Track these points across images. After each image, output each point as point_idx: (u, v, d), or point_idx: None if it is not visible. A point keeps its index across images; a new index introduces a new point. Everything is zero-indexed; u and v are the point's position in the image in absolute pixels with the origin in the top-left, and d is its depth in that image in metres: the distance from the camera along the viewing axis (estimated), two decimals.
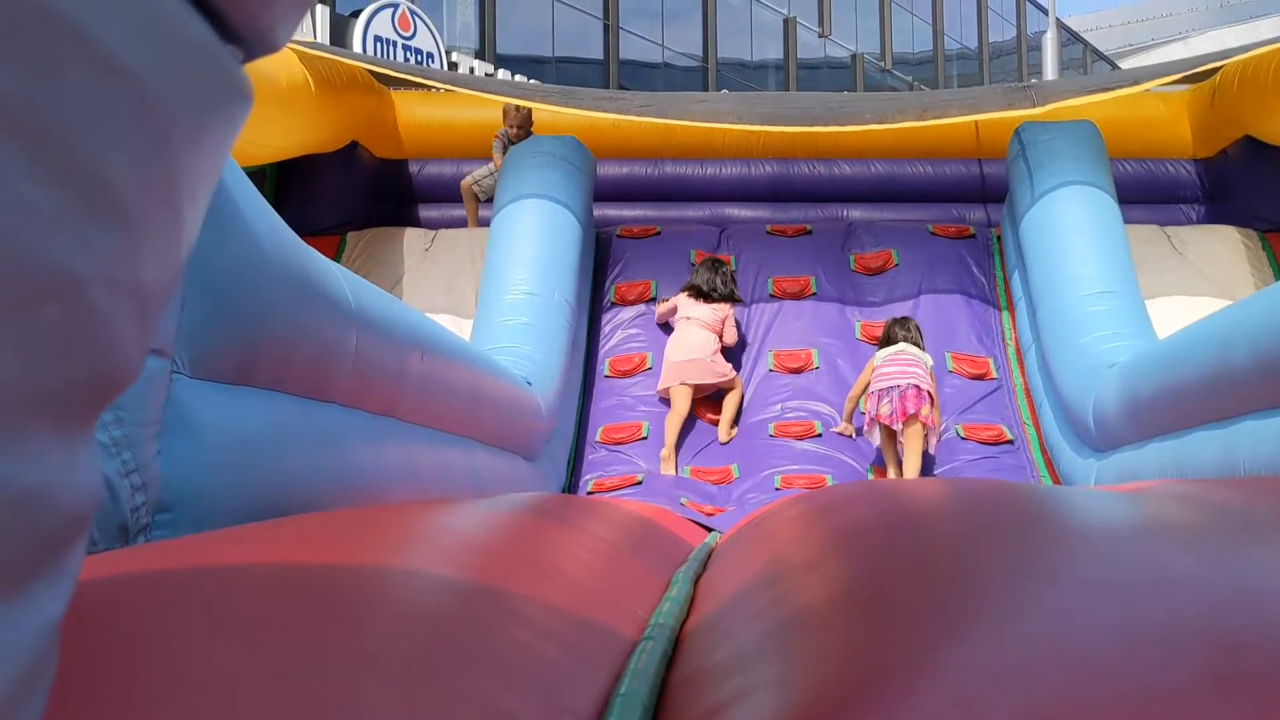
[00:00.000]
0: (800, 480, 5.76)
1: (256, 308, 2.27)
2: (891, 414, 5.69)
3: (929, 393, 5.75)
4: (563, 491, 5.68)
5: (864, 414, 5.96)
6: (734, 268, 6.89)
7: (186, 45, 0.48)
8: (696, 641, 1.24)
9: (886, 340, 6.07)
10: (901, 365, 5.81)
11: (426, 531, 1.84)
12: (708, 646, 1.17)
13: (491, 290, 5.85)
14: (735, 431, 6.34)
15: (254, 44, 0.57)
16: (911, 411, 5.65)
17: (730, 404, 6.35)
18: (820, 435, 6.21)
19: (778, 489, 5.67)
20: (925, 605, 0.99)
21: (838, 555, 1.49)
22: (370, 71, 7.28)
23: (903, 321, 6.15)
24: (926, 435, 5.73)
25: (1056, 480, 5.77)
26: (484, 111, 7.53)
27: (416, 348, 3.26)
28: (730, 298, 6.50)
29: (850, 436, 6.18)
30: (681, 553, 2.54)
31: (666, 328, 6.56)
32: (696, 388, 6.22)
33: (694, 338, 6.28)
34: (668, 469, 6.01)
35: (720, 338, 6.39)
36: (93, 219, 0.43)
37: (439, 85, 7.69)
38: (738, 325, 6.61)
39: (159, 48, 0.46)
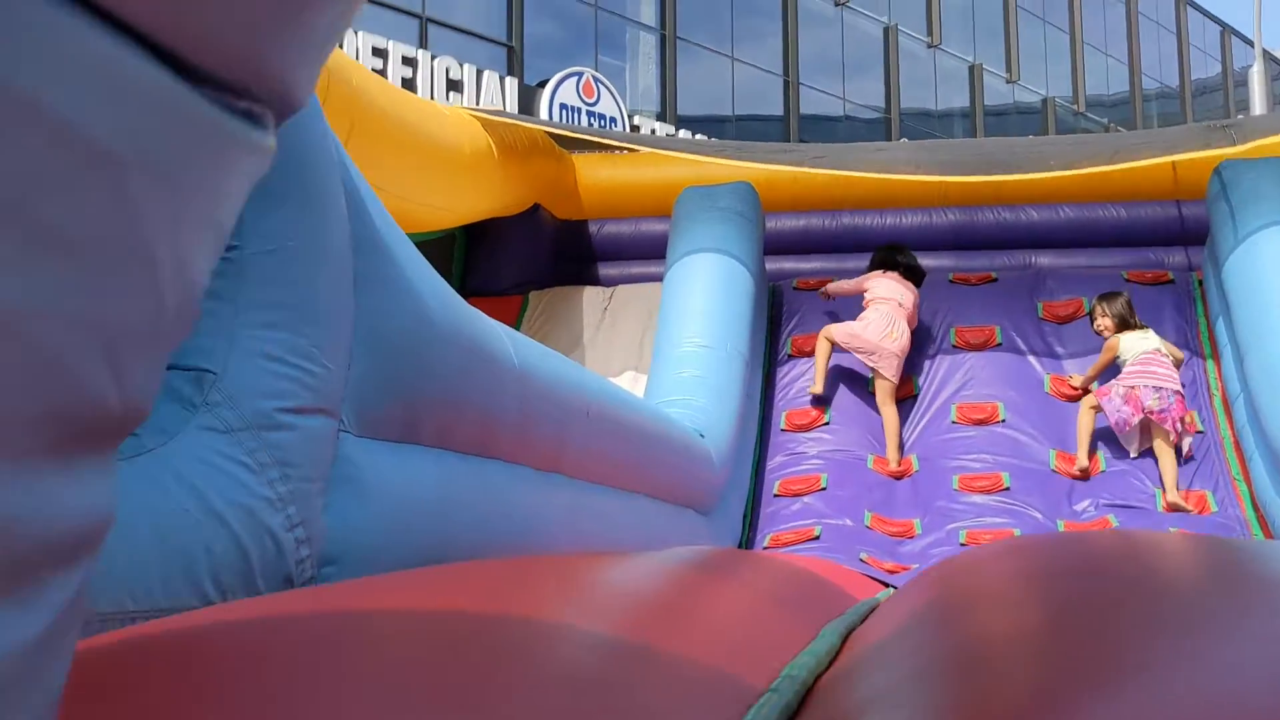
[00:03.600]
0: (986, 535, 5.54)
1: (422, 368, 2.36)
2: (1163, 412, 5.86)
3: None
4: (739, 546, 5.63)
5: (1113, 400, 5.97)
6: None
7: (145, 99, 0.50)
8: (828, 692, 1.20)
9: (1122, 323, 6.17)
10: (1163, 368, 5.98)
11: (579, 583, 1.85)
12: (838, 695, 1.13)
13: (665, 344, 5.90)
14: (906, 460, 6.26)
15: (270, 101, 0.59)
16: (1178, 417, 5.87)
17: (892, 421, 6.29)
18: (1008, 489, 5.98)
19: (963, 544, 5.47)
20: (1089, 650, 0.93)
21: (999, 600, 1.42)
22: (551, 135, 7.51)
23: (1119, 301, 6.22)
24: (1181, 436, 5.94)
25: (1269, 535, 5.37)
26: (661, 171, 7.65)
27: (581, 404, 3.30)
28: (921, 278, 6.69)
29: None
30: (841, 607, 2.47)
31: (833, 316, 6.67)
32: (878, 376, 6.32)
33: (901, 330, 6.36)
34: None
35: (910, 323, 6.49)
36: (30, 255, 0.45)
37: (617, 145, 7.86)
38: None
39: (107, 102, 0.48)
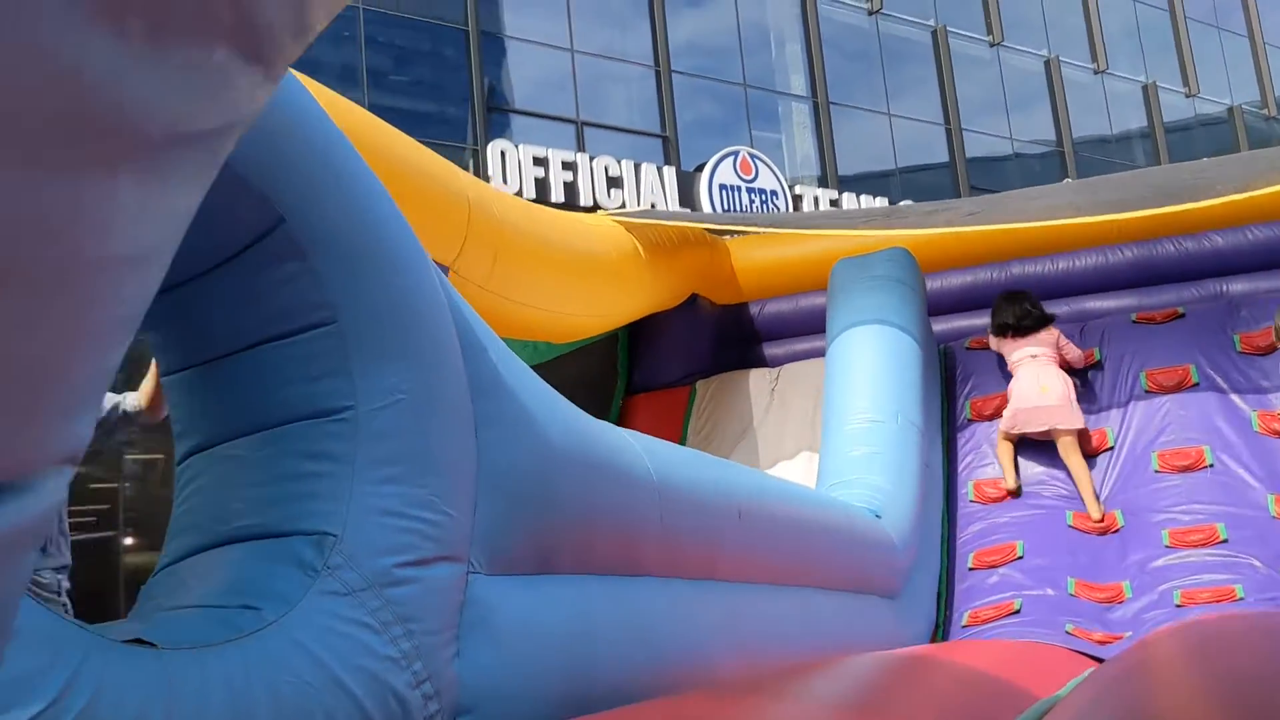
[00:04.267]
0: (1204, 594, 5.13)
1: (552, 497, 2.35)
2: None
3: None
4: (935, 627, 5.38)
5: None
6: (1099, 359, 6.43)
7: None
8: None
9: None
10: None
11: None
12: None
13: (832, 422, 5.76)
14: (1109, 515, 5.87)
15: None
16: None
17: (1080, 470, 5.92)
18: (1225, 540, 5.52)
19: (1178, 605, 5.08)
20: None
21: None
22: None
23: None
24: None
25: None
26: (816, 244, 7.56)
27: (733, 505, 3.24)
28: (1046, 318, 6.31)
29: None
30: (1014, 709, 2.30)
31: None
32: (1054, 431, 6.01)
33: (1051, 379, 6.08)
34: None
35: (1066, 364, 6.18)
36: None
37: (760, 229, 7.83)
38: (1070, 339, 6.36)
39: None
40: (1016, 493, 6.09)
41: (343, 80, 15.26)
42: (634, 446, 2.79)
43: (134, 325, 0.65)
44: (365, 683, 1.77)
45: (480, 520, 2.14)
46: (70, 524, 7.04)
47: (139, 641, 1.49)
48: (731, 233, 7.88)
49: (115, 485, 9.93)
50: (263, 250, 1.93)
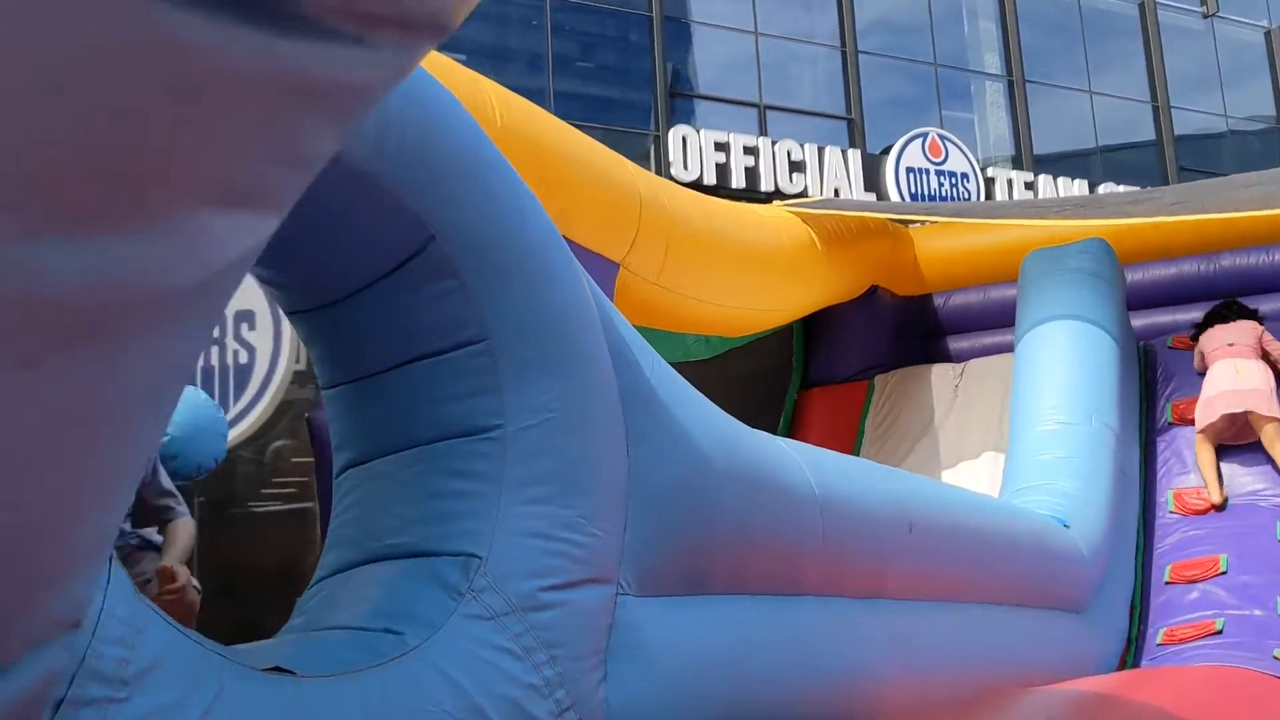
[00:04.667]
0: None
1: (706, 515, 2.29)
2: None
3: None
4: (1127, 643, 5.06)
5: None
6: None
7: None
8: None
9: None
10: None
11: None
12: None
13: (1021, 423, 5.48)
14: None
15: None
16: None
17: None
18: None
19: None
20: None
21: None
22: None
23: None
24: None
25: None
26: (1008, 233, 7.22)
27: (904, 517, 3.10)
28: (1249, 312, 5.95)
29: None
30: None
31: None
32: (1254, 418, 5.53)
33: (1248, 366, 5.65)
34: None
35: (1270, 359, 5.72)
36: None
37: (944, 218, 7.52)
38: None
39: None
40: (1222, 506, 5.65)
41: (530, 68, 15.51)
42: (794, 458, 2.69)
43: (138, 471, 0.61)
44: (506, 711, 1.74)
45: (631, 540, 2.08)
46: (272, 493, 7.39)
47: (277, 669, 1.49)
48: (914, 222, 7.61)
49: (312, 459, 10.42)
50: (414, 269, 1.92)
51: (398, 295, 1.91)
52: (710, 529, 2.30)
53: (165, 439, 2.97)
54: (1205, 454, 5.71)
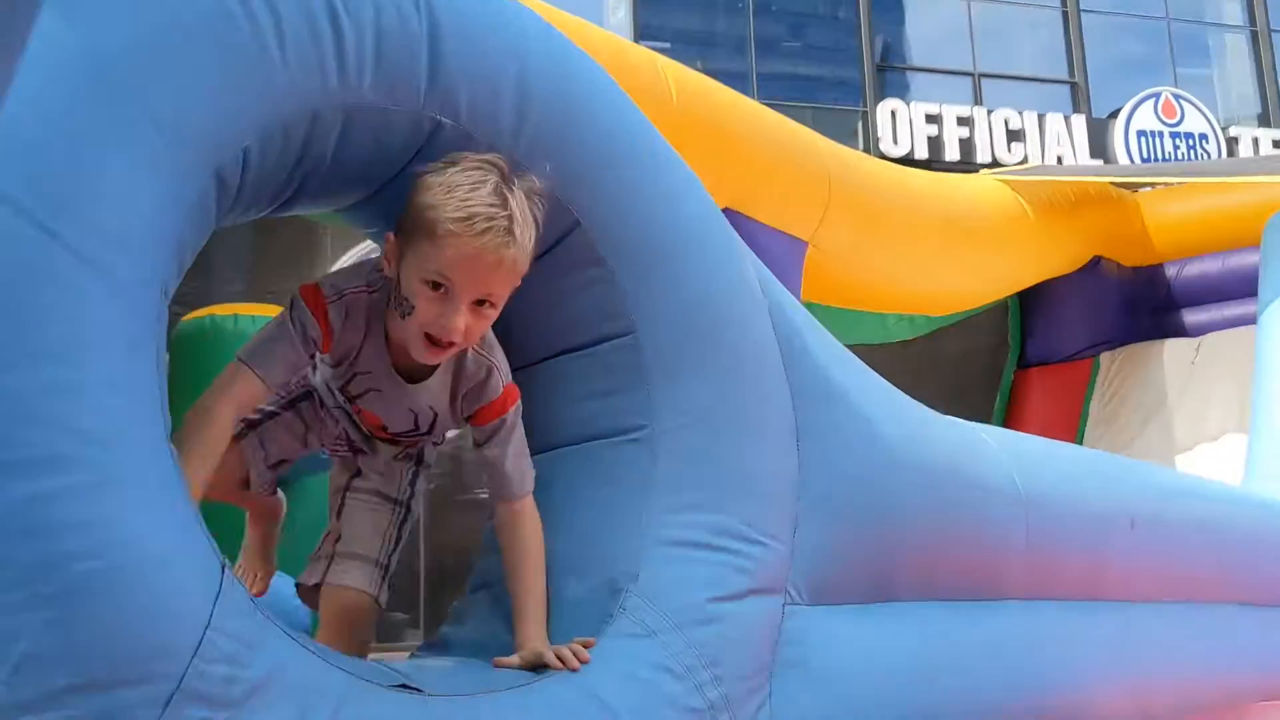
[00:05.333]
0: None
1: (889, 513, 2.11)
2: None
3: None
4: None
5: None
6: None
7: None
8: None
9: None
10: None
11: None
12: None
13: (1267, 402, 4.98)
14: None
15: None
16: None
17: None
18: None
19: None
20: None
21: None
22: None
23: None
24: None
25: None
26: (1250, 196, 6.59)
27: (1124, 512, 2.80)
28: None
29: None
30: None
31: None
32: None
33: None
34: None
35: None
36: None
37: (1176, 180, 6.93)
38: None
39: None
40: None
41: (735, 51, 15.36)
42: (993, 449, 2.46)
43: None
44: None
45: (801, 544, 1.91)
46: None
47: (405, 687, 1.40)
48: (1141, 185, 7.05)
49: None
50: (558, 256, 1.82)
51: (541, 284, 1.80)
52: (895, 530, 2.11)
53: None
54: None
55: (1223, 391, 6.19)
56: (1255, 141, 16.03)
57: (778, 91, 14.17)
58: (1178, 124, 15.73)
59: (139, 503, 1.18)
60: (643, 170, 1.87)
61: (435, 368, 1.70)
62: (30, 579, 1.10)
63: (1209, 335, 6.57)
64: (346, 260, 8.69)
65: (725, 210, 2.31)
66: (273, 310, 4.71)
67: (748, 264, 2.00)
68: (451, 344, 1.58)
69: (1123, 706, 2.55)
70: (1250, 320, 6.20)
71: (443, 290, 1.54)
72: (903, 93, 15.47)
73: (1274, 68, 17.28)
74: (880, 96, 14.97)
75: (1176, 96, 15.98)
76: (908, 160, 12.21)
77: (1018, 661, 2.31)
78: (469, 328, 1.56)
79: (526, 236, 1.55)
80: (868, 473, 2.06)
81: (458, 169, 1.54)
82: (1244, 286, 6.50)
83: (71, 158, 1.20)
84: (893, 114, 14.62)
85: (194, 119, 1.33)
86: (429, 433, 1.80)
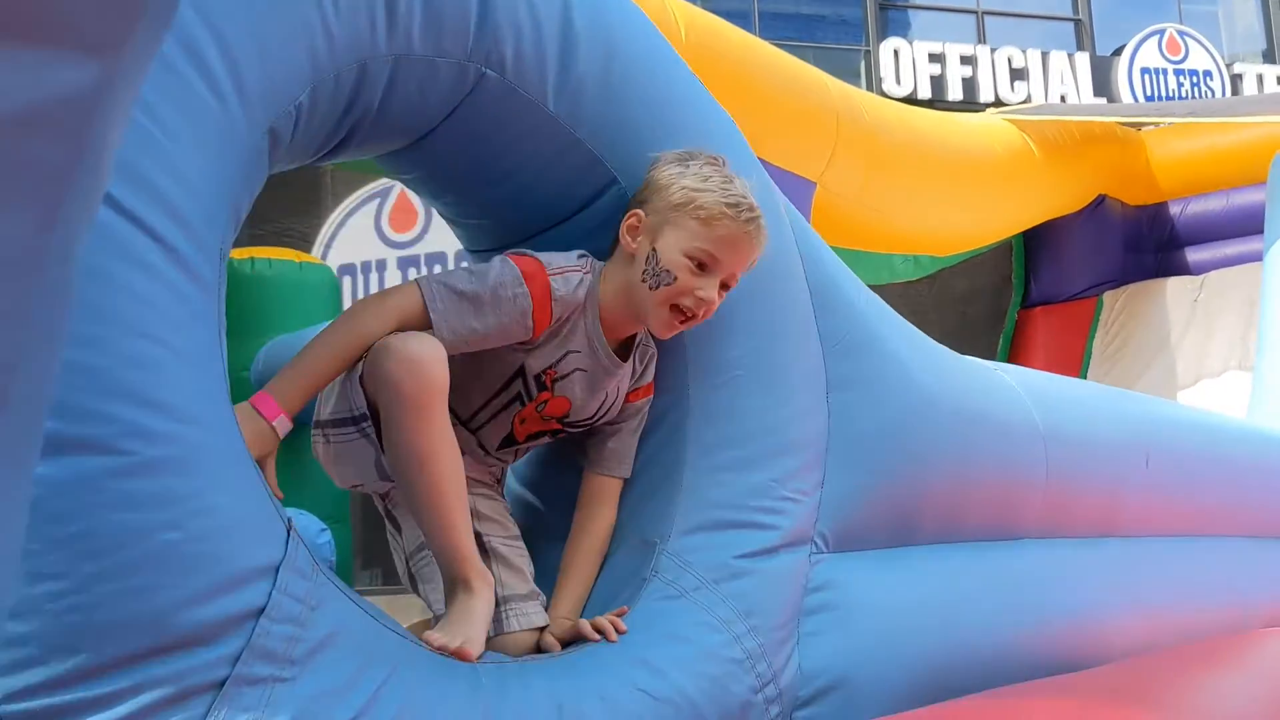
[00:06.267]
0: None
1: (914, 459, 2.14)
2: None
3: None
4: None
5: None
6: None
7: None
8: None
9: None
10: None
11: None
12: None
13: (1271, 337, 5.00)
14: None
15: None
16: None
17: None
18: None
19: None
20: None
21: None
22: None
23: None
24: None
25: None
26: (1255, 133, 6.56)
27: (1140, 448, 2.83)
28: None
29: None
30: None
31: None
32: None
33: None
34: None
35: None
36: None
37: (1180, 119, 6.89)
38: None
39: None
40: None
41: None
42: (1013, 387, 2.48)
43: None
44: (708, 691, 1.64)
45: (829, 494, 1.95)
46: None
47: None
48: (1146, 124, 7.02)
49: None
50: (595, 214, 1.83)
51: (578, 241, 1.82)
52: (919, 475, 2.14)
53: None
54: None
55: (1225, 328, 6.22)
56: (1260, 78, 15.90)
57: (780, 30, 14.03)
58: (1182, 61, 15.59)
59: (214, 473, 1.22)
60: (682, 125, 1.87)
61: (634, 349, 1.79)
62: (112, 549, 1.13)
63: (1212, 273, 6.58)
64: (350, 202, 8.68)
65: None
66: (286, 253, 4.73)
67: (784, 215, 2.01)
68: (694, 317, 1.70)
69: (1133, 636, 2.60)
70: (1253, 258, 6.21)
71: (704, 268, 1.67)
72: (905, 31, 15.31)
73: None
74: (883, 35, 14.82)
75: (1181, 33, 15.81)
76: (911, 100, 12.12)
77: (1036, 595, 2.35)
78: (712, 304, 1.70)
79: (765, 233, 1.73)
80: (894, 421, 2.08)
81: (698, 162, 1.71)
82: (1248, 224, 6.51)
83: (133, 127, 1.20)
84: (895, 53, 14.48)
85: (249, 78, 1.33)
86: (603, 417, 1.82)
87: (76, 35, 0.50)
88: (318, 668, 1.27)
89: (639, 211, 1.71)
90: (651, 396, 1.84)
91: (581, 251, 1.76)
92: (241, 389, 1.93)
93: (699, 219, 1.65)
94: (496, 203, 1.86)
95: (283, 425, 1.51)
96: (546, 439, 1.85)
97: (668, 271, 1.66)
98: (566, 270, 1.69)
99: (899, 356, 2.12)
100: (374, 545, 4.21)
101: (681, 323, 1.70)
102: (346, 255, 8.31)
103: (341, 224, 9.28)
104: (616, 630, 1.63)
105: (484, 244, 1.97)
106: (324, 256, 8.15)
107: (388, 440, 1.55)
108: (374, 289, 9.57)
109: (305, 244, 7.97)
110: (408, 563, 1.79)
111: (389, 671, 1.33)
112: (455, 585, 1.56)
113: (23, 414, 0.54)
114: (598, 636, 1.62)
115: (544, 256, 1.70)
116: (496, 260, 1.67)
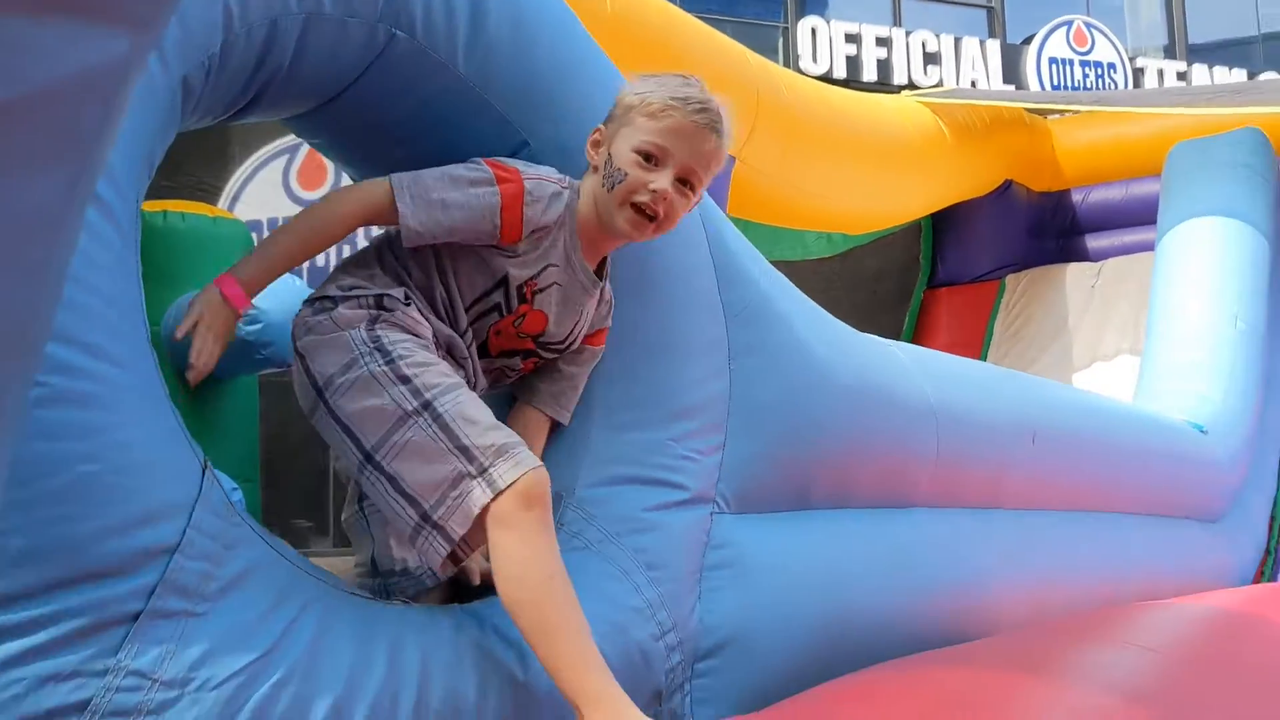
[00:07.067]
0: None
1: (811, 430, 2.23)
2: None
3: None
4: (1265, 554, 4.84)
5: None
6: None
7: None
8: None
9: None
10: None
11: None
12: None
13: (1159, 324, 5.23)
14: None
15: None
16: None
17: None
18: None
19: None
20: None
21: None
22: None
23: None
24: None
25: None
26: (1154, 123, 6.81)
27: (1026, 426, 2.97)
28: None
29: None
30: None
31: None
32: None
33: None
34: None
35: None
36: None
37: (1086, 108, 7.11)
38: None
39: None
40: None
41: None
42: (908, 366, 2.59)
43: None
44: (610, 636, 1.70)
45: (729, 457, 2.03)
46: None
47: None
48: (1054, 112, 7.23)
49: None
50: None
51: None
52: (815, 442, 2.23)
53: (257, 326, 3.00)
54: None
55: (1120, 314, 6.45)
56: (1160, 73, 16.39)
57: (700, 3, 14.05)
58: (1088, 52, 15.99)
59: (132, 411, 1.25)
60: (590, 90, 1.92)
61: (605, 267, 1.82)
62: (31, 478, 1.15)
63: (1110, 260, 6.82)
64: (259, 156, 8.53)
65: None
66: (200, 207, 4.65)
67: None
68: (656, 215, 1.70)
69: (1020, 607, 2.73)
70: (1149, 247, 6.46)
71: (653, 161, 1.68)
72: (823, 10, 15.44)
73: (1182, 0, 17.62)
74: (801, 13, 14.93)
75: (1088, 25, 16.20)
76: (826, 79, 12.24)
77: (926, 563, 2.46)
78: (671, 200, 1.70)
79: (726, 137, 1.73)
80: (793, 391, 2.17)
81: (664, 75, 1.73)
82: (1145, 214, 6.75)
83: None
84: (813, 31, 14.60)
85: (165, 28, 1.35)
86: (573, 342, 1.84)
87: (120, 10, 0.54)
88: (231, 604, 1.31)
89: (601, 126, 1.76)
90: (603, 347, 1.88)
91: (559, 170, 1.79)
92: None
93: (647, 114, 1.68)
94: (407, 165, 1.88)
95: (241, 303, 1.58)
96: (516, 368, 1.85)
97: (620, 170, 1.69)
98: (543, 179, 1.73)
99: (796, 329, 2.20)
100: (275, 505, 4.21)
101: (649, 222, 1.71)
102: (254, 210, 8.16)
103: (249, 177, 9.11)
104: None
105: None
106: (231, 209, 8.01)
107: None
108: None
109: (212, 197, 7.80)
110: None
111: (301, 608, 1.38)
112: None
113: (36, 360, 0.58)
114: None
115: (520, 163, 1.74)
116: (470, 162, 1.71)
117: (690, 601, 1.87)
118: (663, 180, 1.68)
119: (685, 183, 1.72)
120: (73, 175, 0.55)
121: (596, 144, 1.75)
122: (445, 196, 1.66)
